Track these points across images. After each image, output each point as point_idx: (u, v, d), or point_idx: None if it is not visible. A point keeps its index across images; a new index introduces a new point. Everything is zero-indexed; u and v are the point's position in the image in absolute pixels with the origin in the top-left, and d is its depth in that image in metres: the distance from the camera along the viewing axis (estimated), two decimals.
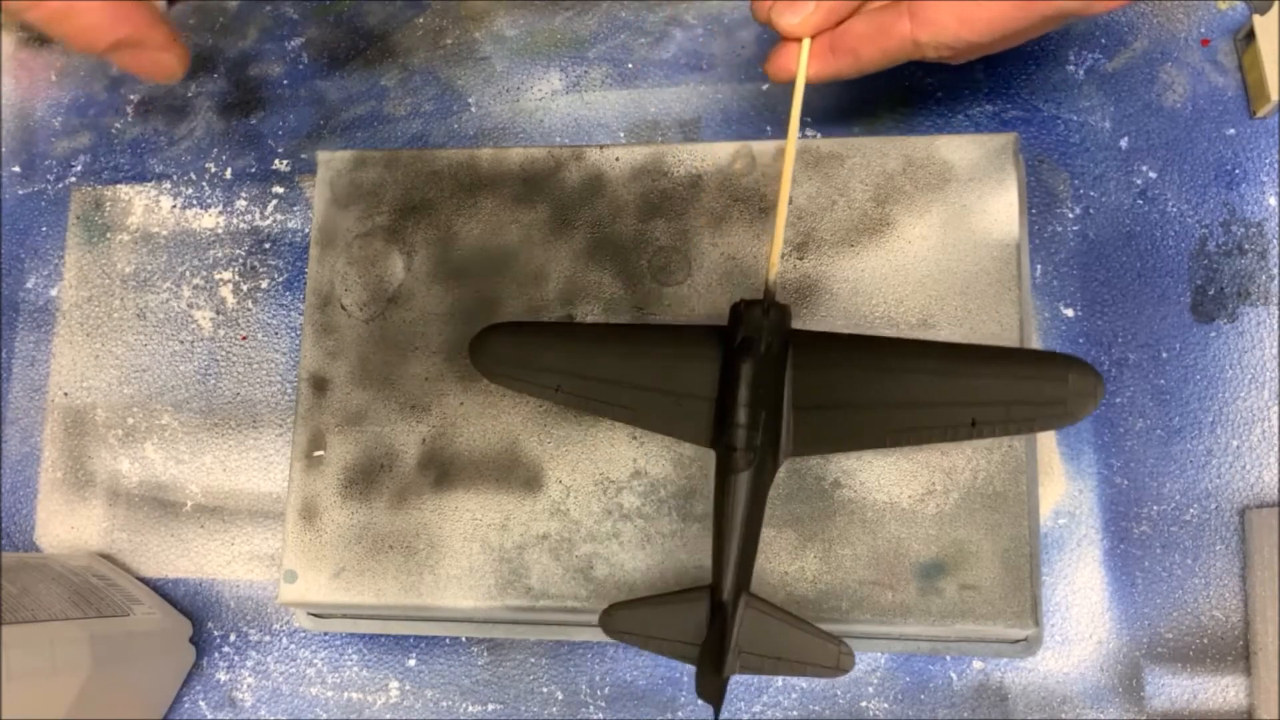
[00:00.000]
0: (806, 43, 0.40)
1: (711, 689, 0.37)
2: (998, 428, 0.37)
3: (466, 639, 0.51)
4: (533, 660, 0.50)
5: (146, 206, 0.58)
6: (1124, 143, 0.51)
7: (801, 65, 0.40)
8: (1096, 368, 0.49)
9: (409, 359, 0.47)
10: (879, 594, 0.42)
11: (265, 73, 0.59)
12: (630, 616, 0.39)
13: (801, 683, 0.48)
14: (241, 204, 0.57)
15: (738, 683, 0.49)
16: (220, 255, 0.57)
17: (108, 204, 0.58)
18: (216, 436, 0.55)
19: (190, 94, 0.59)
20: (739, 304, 0.38)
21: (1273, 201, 0.49)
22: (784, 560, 0.43)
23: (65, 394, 0.56)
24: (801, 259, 0.46)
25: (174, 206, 0.58)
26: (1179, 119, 0.50)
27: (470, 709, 0.50)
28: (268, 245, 0.56)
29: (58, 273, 0.58)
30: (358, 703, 0.51)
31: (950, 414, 0.37)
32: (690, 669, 0.38)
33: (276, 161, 0.57)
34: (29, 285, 0.58)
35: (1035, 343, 0.49)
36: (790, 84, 0.40)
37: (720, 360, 0.38)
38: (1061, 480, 0.48)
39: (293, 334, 0.55)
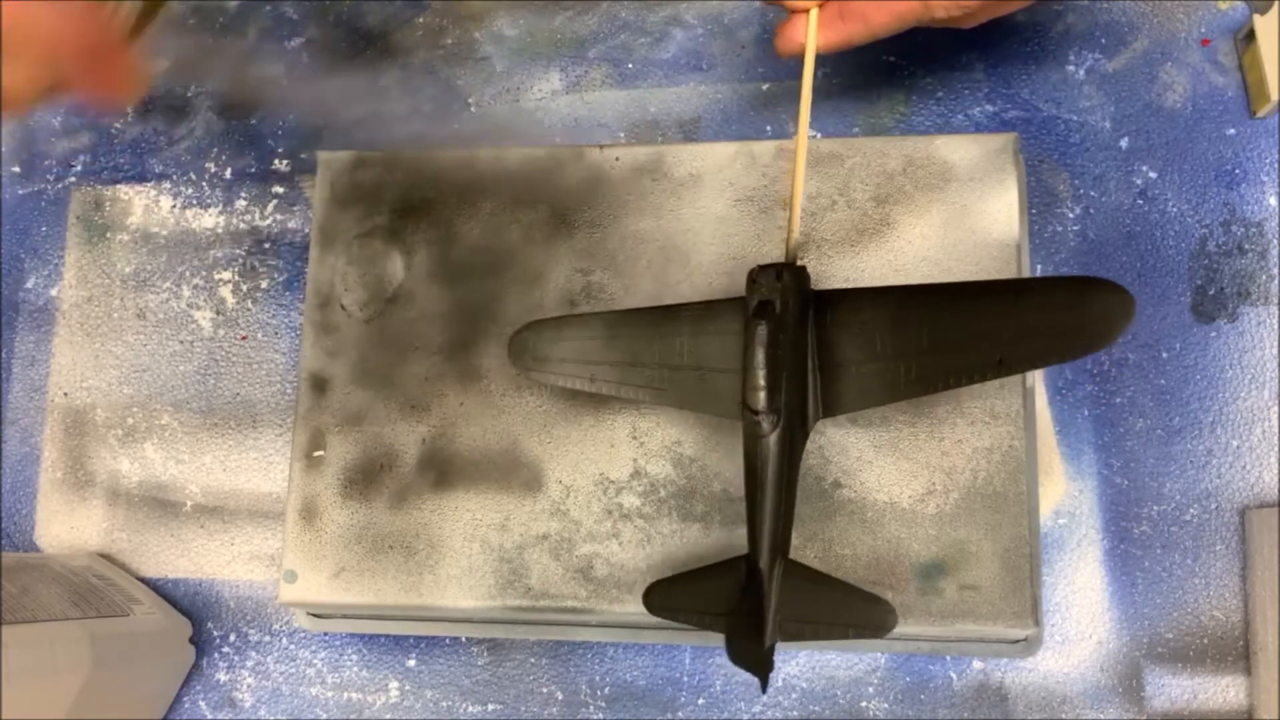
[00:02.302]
0: (814, 13, 0.40)
1: (753, 658, 0.37)
2: (1026, 362, 0.36)
3: (466, 639, 0.51)
4: (533, 660, 0.50)
5: (146, 206, 0.58)
6: (1124, 143, 0.51)
7: (810, 36, 0.40)
8: (1096, 366, 0.49)
9: (409, 359, 0.47)
10: (879, 594, 0.42)
11: (265, 73, 0.59)
12: (670, 593, 0.39)
13: (802, 682, 0.48)
14: (241, 204, 0.57)
15: (738, 683, 0.49)
16: (220, 255, 0.57)
17: (108, 204, 0.58)
18: (216, 436, 0.55)
19: (190, 94, 0.59)
20: (753, 270, 0.38)
21: (1273, 201, 0.49)
22: None
23: (65, 394, 0.56)
24: (802, 259, 0.46)
25: (174, 206, 0.58)
26: (1179, 119, 0.50)
27: (470, 709, 0.50)
28: (268, 245, 0.56)
29: (58, 273, 0.58)
30: (358, 703, 0.51)
31: (976, 355, 0.36)
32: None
33: (276, 161, 0.57)
34: (29, 285, 0.58)
35: None
36: (799, 56, 0.40)
37: (740, 330, 0.38)
38: (1061, 480, 0.48)
39: (293, 334, 0.55)
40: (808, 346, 0.38)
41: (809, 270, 0.46)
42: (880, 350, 0.37)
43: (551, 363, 0.41)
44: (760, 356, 0.36)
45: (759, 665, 0.37)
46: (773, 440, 0.36)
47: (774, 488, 0.36)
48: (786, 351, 0.37)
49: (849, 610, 0.37)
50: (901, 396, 0.37)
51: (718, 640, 0.48)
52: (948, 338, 0.36)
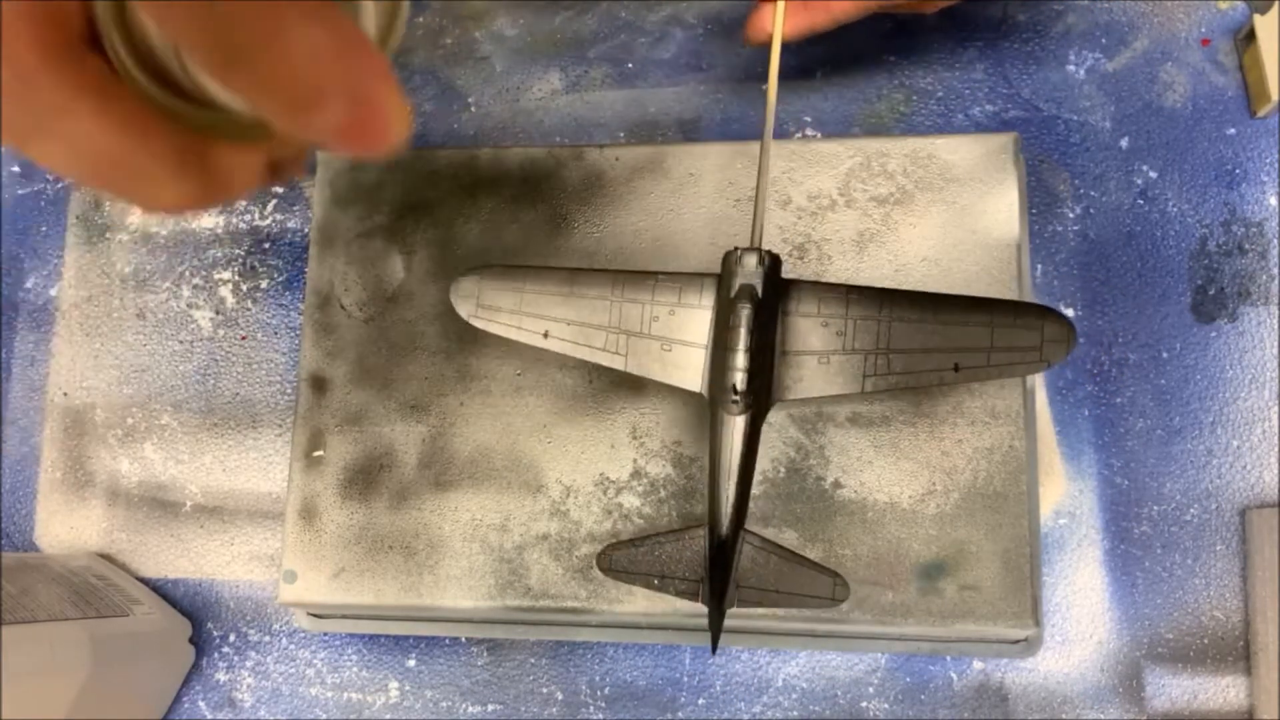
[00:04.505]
0: (781, 5, 0.41)
1: (711, 621, 0.38)
2: (979, 372, 0.38)
3: (466, 639, 0.51)
4: (533, 660, 0.50)
5: None
6: (1124, 143, 0.51)
7: (777, 25, 0.41)
8: (1096, 366, 0.49)
9: (409, 359, 0.47)
10: (879, 594, 0.42)
11: None
12: (628, 556, 0.40)
13: (802, 682, 0.48)
14: (241, 204, 0.57)
15: (738, 683, 0.49)
16: (220, 255, 0.57)
17: (107, 204, 0.58)
18: (216, 436, 0.54)
19: None
20: (733, 251, 0.39)
21: (1273, 201, 0.49)
22: None
23: (65, 394, 0.56)
24: (802, 259, 0.46)
25: None
26: (1179, 119, 0.50)
27: (470, 709, 0.50)
28: (267, 245, 0.56)
29: (57, 273, 0.58)
30: (357, 703, 0.51)
31: (936, 359, 0.38)
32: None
33: None
34: (29, 285, 0.58)
35: None
36: (768, 45, 0.41)
37: (713, 308, 0.39)
38: (1062, 480, 0.48)
39: (293, 334, 0.55)
40: (776, 332, 0.39)
41: (806, 271, 0.46)
42: (844, 345, 0.39)
43: (502, 314, 0.41)
44: (744, 339, 0.37)
45: (714, 628, 0.38)
46: (744, 420, 0.38)
47: (741, 464, 0.38)
48: (761, 336, 0.38)
49: (803, 582, 0.39)
50: (859, 390, 0.39)
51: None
52: (910, 342, 0.38)
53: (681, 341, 0.40)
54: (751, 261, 0.38)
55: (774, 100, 0.39)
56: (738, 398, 0.37)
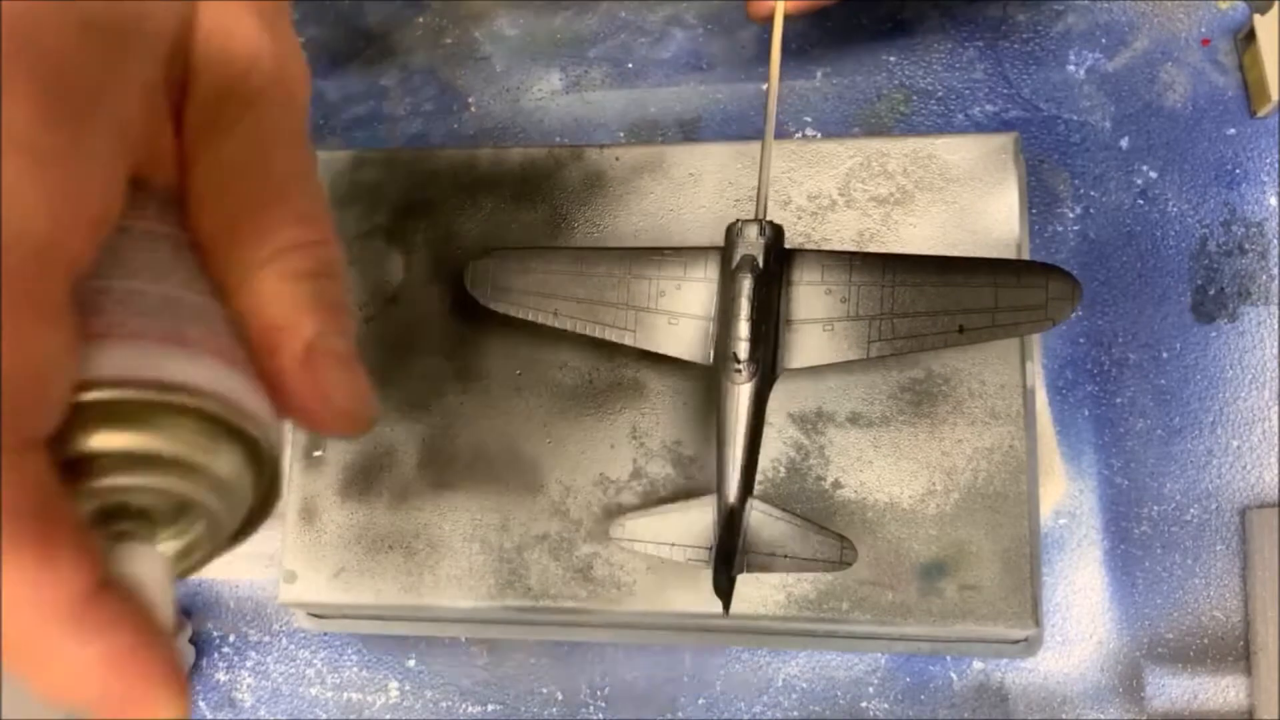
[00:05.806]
0: None
1: (722, 586, 0.39)
2: (984, 333, 0.38)
3: (466, 639, 0.51)
4: (533, 660, 0.50)
5: None
6: (1124, 143, 0.51)
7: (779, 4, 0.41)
8: (1096, 366, 0.49)
9: (409, 359, 0.47)
10: (879, 594, 0.42)
11: None
12: (640, 526, 0.40)
13: (802, 682, 0.48)
14: None
15: (738, 683, 0.49)
16: None
17: None
18: None
19: None
20: (735, 223, 0.39)
21: (1273, 201, 0.49)
22: None
23: None
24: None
25: None
26: (1179, 119, 0.50)
27: (470, 709, 0.50)
28: None
29: None
30: (357, 703, 0.51)
31: (940, 321, 0.39)
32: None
33: None
34: None
35: (1035, 345, 0.49)
36: (771, 23, 0.41)
37: (717, 280, 0.40)
38: (1062, 480, 0.48)
39: None
40: (779, 302, 0.39)
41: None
42: (849, 311, 0.39)
43: (513, 294, 0.42)
44: (745, 309, 0.38)
45: (725, 593, 0.39)
46: (748, 388, 0.38)
47: (747, 432, 0.38)
48: (765, 305, 0.38)
49: (811, 546, 0.39)
50: (866, 356, 0.39)
51: (719, 640, 0.48)
52: (914, 305, 0.39)
53: (688, 315, 0.40)
54: (752, 232, 0.38)
55: (776, 79, 0.39)
56: (740, 366, 0.38)
